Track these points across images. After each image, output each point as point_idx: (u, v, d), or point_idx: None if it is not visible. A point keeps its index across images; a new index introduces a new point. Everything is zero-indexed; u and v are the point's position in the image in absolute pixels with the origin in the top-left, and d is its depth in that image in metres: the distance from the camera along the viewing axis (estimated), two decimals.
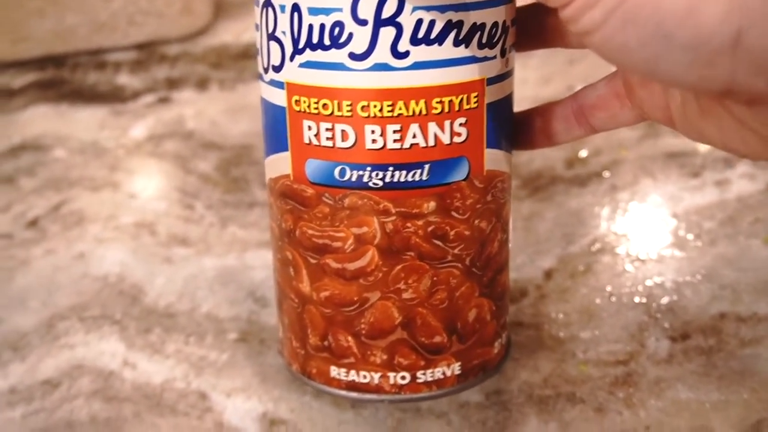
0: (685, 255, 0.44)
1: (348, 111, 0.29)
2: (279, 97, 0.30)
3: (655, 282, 0.42)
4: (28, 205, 0.55)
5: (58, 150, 0.63)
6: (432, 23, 0.28)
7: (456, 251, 0.31)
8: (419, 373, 0.32)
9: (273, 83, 0.30)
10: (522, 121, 0.33)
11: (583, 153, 0.55)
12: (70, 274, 0.47)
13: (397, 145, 0.29)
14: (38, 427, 0.36)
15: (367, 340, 0.32)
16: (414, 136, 0.29)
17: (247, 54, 0.77)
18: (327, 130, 0.29)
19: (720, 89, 0.23)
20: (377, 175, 0.29)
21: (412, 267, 0.31)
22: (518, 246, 0.45)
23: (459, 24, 0.28)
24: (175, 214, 0.52)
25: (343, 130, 0.29)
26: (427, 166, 0.30)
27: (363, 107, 0.29)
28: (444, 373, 0.32)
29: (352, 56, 0.28)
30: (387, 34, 0.28)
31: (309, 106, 0.29)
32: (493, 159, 0.31)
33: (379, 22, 0.28)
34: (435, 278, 0.31)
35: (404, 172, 0.29)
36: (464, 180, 0.30)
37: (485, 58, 0.29)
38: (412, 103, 0.29)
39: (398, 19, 0.28)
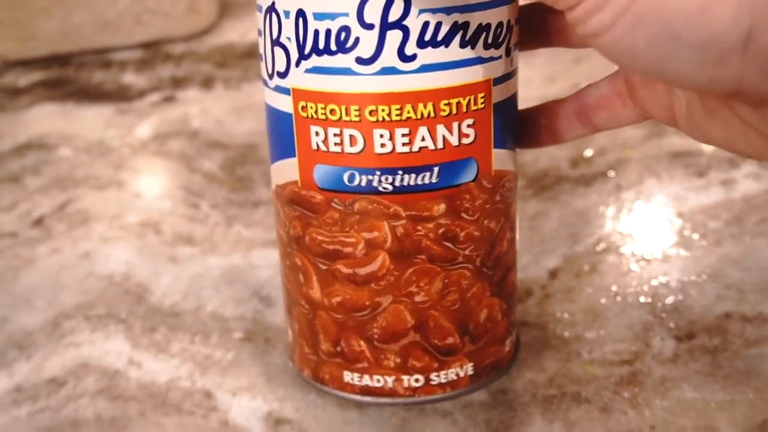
0: (691, 255, 0.44)
1: (356, 116, 0.29)
2: (285, 104, 0.30)
3: (660, 282, 0.42)
4: (34, 204, 0.55)
5: (64, 149, 0.63)
6: (438, 25, 0.28)
7: (466, 252, 0.31)
8: (433, 375, 0.32)
9: (278, 89, 0.30)
10: (526, 119, 0.33)
11: (588, 152, 0.55)
12: (75, 273, 0.47)
13: (406, 149, 0.29)
14: (44, 425, 0.36)
15: (380, 344, 0.32)
16: (423, 139, 0.29)
17: (252, 53, 0.77)
18: (335, 135, 0.29)
19: (729, 90, 0.23)
20: (387, 179, 0.29)
21: (423, 270, 0.31)
22: (523, 246, 0.45)
23: (465, 25, 0.28)
24: (180, 213, 0.52)
25: (351, 135, 0.29)
26: (436, 169, 0.30)
27: (371, 111, 0.29)
28: (457, 374, 0.32)
29: (359, 61, 0.28)
30: (394, 37, 0.28)
31: (316, 112, 0.29)
32: (500, 159, 0.31)
33: (385, 26, 0.28)
34: (446, 280, 0.31)
35: (414, 176, 0.29)
36: (473, 181, 0.30)
37: (491, 59, 0.29)
38: (420, 106, 0.29)
39: (405, 23, 0.28)
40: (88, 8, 0.78)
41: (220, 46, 0.79)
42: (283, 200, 0.32)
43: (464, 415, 0.35)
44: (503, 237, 0.32)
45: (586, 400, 0.35)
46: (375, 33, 0.28)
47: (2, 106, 0.72)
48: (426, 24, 0.28)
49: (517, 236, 0.34)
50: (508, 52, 0.30)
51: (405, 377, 0.32)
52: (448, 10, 0.28)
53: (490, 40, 0.29)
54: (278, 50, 0.30)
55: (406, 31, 0.28)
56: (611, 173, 0.53)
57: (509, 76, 0.31)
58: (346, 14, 0.28)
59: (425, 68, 0.28)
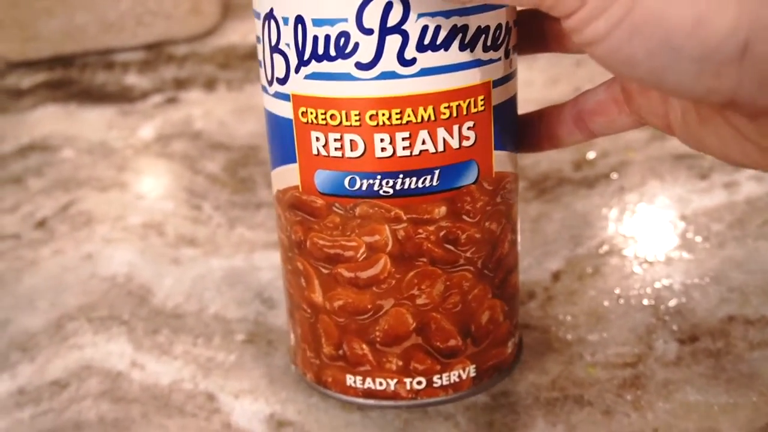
0: (694, 257, 0.44)
1: (356, 121, 0.29)
2: (285, 110, 0.30)
3: (663, 284, 0.42)
4: (36, 205, 0.55)
5: (67, 150, 0.63)
6: (437, 29, 0.28)
7: (468, 254, 0.31)
8: (435, 378, 0.32)
9: (278, 95, 0.30)
10: (526, 124, 0.33)
11: (591, 155, 0.55)
12: (78, 275, 0.47)
13: (407, 152, 0.29)
14: (46, 427, 0.36)
15: (382, 347, 0.32)
16: (423, 143, 0.29)
17: (254, 55, 0.77)
18: (335, 140, 0.29)
19: (724, 100, 0.23)
20: (387, 183, 0.29)
21: (424, 273, 0.31)
22: (526, 248, 0.45)
23: (464, 28, 0.28)
24: (182, 215, 0.52)
25: (351, 140, 0.29)
26: (437, 172, 0.30)
27: (371, 116, 0.29)
28: (460, 376, 0.32)
29: (359, 66, 0.28)
30: (393, 42, 0.28)
31: (316, 118, 0.29)
32: (500, 161, 0.31)
33: (384, 31, 0.28)
34: (448, 282, 0.31)
35: (414, 179, 0.29)
36: (474, 183, 0.30)
37: (490, 61, 0.29)
38: (421, 110, 0.29)
39: (404, 27, 0.28)
40: (90, 9, 0.78)
41: (222, 48, 0.79)
42: (284, 205, 0.32)
43: (466, 418, 0.35)
44: (504, 239, 0.32)
45: (588, 402, 0.35)
46: (374, 38, 0.28)
47: (5, 108, 0.72)
48: (425, 28, 0.28)
49: (519, 238, 0.34)
50: (507, 54, 0.30)
51: (407, 380, 0.32)
52: (447, 14, 0.28)
53: (489, 43, 0.29)
54: (277, 57, 0.30)
55: (405, 36, 0.28)
56: (614, 175, 0.53)
57: (509, 77, 0.31)
58: (345, 20, 0.28)
59: (425, 72, 0.28)
